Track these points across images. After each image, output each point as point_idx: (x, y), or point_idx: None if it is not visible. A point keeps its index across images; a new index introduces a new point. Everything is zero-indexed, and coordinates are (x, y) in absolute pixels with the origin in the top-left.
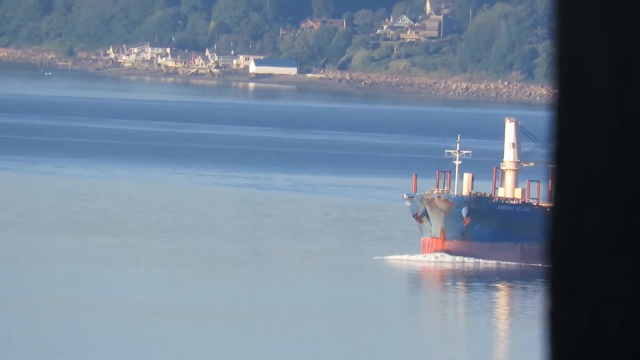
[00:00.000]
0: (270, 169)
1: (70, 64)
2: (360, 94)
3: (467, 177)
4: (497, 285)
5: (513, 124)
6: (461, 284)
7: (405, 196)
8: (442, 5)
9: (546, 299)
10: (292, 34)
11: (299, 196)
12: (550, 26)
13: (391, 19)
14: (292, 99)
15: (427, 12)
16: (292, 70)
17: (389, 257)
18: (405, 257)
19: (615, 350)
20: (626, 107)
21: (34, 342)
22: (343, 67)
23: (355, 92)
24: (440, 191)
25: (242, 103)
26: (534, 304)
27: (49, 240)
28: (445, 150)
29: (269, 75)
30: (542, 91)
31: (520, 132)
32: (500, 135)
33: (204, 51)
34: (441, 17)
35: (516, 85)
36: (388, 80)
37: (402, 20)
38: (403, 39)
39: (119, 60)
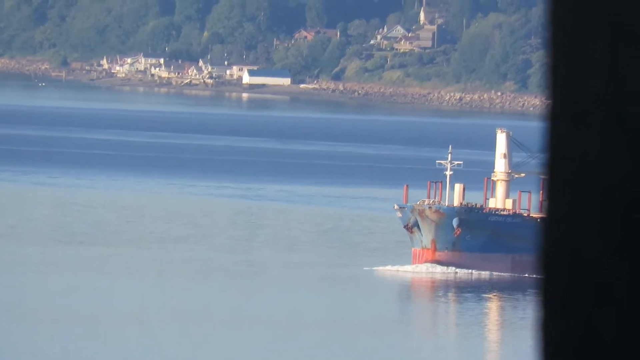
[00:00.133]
0: (263, 179)
1: (64, 75)
2: (353, 105)
3: (458, 187)
4: (489, 296)
5: (504, 134)
6: (452, 294)
7: (396, 207)
8: (436, 16)
9: (539, 306)
10: (286, 45)
11: (292, 207)
12: (544, 35)
13: (385, 29)
14: (285, 110)
15: (421, 22)
16: (286, 81)
17: (380, 267)
18: (395, 267)
19: (610, 357)
20: (622, 112)
21: (27, 352)
22: (337, 77)
23: (349, 102)
24: (431, 202)
25: (235, 113)
26: (525, 314)
27: (42, 250)
28: (437, 161)
29: (263, 85)
30: (535, 101)
31: (512, 143)
32: (492, 145)
33: (198, 61)
34: (435, 27)
35: (509, 96)
36: (382, 90)
37: (396, 31)
38: (397, 49)
39: (112, 71)
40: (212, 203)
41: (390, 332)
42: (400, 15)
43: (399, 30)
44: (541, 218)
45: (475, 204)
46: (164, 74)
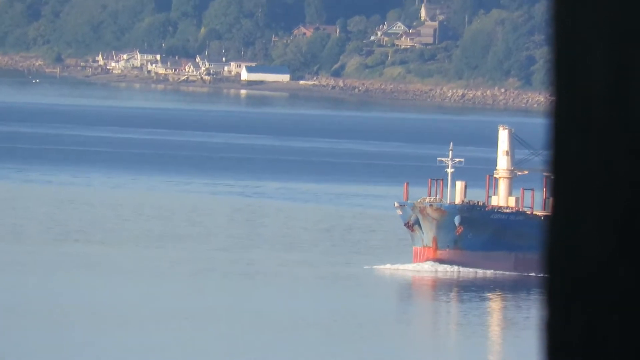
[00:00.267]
0: (262, 176)
1: (58, 71)
2: (354, 101)
3: (459, 185)
4: (491, 294)
5: (507, 131)
6: (454, 293)
7: (396, 204)
8: (438, 12)
9: (543, 307)
10: (285, 41)
11: (291, 204)
12: (547, 32)
13: (385, 26)
14: (284, 106)
15: (422, 18)
16: (285, 77)
17: (380, 266)
18: (396, 266)
19: (613, 357)
20: (624, 112)
21: (24, 350)
22: (336, 74)
23: (349, 99)
24: (432, 199)
25: (233, 110)
26: (528, 313)
27: (38, 248)
28: (438, 158)
29: (261, 82)
30: (539, 98)
31: (514, 140)
32: (494, 143)
33: (195, 58)
34: (436, 23)
35: (513, 93)
36: (382, 87)
37: (396, 27)
38: (397, 45)
39: (108, 67)
40: (210, 201)
41: (391, 332)
42: (400, 11)
43: (399, 27)
44: (545, 219)
45: (477, 202)
46: (161, 71)
